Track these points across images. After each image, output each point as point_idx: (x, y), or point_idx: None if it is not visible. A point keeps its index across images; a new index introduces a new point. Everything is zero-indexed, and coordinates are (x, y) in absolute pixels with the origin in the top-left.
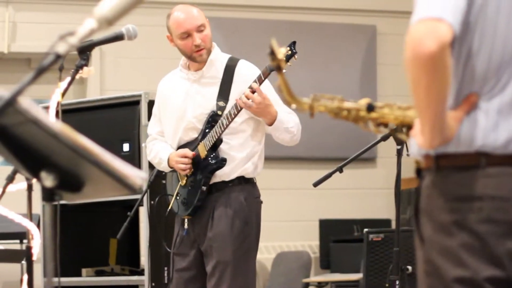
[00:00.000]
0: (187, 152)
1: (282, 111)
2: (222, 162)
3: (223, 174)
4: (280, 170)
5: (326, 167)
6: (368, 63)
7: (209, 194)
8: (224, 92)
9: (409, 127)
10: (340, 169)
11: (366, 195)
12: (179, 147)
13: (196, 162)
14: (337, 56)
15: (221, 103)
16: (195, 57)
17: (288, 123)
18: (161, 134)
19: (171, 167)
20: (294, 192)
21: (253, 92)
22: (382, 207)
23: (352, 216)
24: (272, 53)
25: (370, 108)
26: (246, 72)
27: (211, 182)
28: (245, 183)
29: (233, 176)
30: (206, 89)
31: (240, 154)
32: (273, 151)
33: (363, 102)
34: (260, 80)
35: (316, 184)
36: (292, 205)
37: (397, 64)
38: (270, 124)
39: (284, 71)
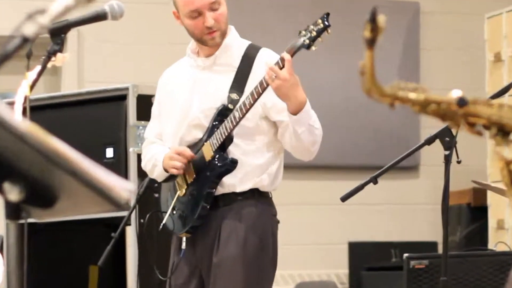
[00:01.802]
0: (185, 149)
1: (309, 106)
2: (232, 164)
3: (233, 184)
4: (299, 182)
5: (356, 178)
6: (409, 48)
7: (215, 209)
8: (239, 83)
9: (500, 129)
10: (374, 180)
11: (406, 212)
12: None
13: (200, 166)
14: None
15: (234, 96)
16: (206, 40)
17: (315, 122)
18: (159, 137)
19: (166, 170)
20: (317, 208)
21: (283, 65)
22: (426, 227)
23: (389, 238)
24: (373, 20)
25: (463, 102)
26: (268, 61)
27: (218, 193)
28: (260, 196)
29: (245, 187)
30: (218, 78)
31: (255, 161)
32: (290, 157)
33: (453, 95)
34: (291, 52)
35: (344, 199)
36: (315, 225)
37: (444, 49)
38: (295, 113)
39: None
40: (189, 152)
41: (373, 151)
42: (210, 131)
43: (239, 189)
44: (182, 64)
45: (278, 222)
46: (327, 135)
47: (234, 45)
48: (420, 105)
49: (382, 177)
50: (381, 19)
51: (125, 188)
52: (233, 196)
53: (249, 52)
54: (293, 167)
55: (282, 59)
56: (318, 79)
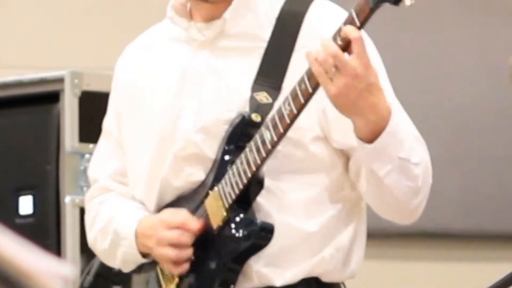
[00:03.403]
0: (188, 218)
1: (401, 117)
2: (262, 234)
3: (269, 269)
4: (399, 264)
5: (508, 256)
6: None
7: None
8: (272, 71)
9: None
10: None
11: None
12: (163, 208)
13: (202, 240)
14: None
15: (263, 97)
16: None
17: (413, 152)
18: (121, 178)
19: (144, 254)
20: None
21: (345, 46)
22: None
23: None
24: None
25: None
26: (329, 26)
27: None
28: None
29: (291, 277)
30: (231, 63)
31: (308, 225)
32: (381, 218)
33: None
34: (363, 15)
35: None
36: None
37: None
38: (371, 138)
39: None
40: (194, 221)
41: None
42: (219, 168)
43: (281, 281)
44: (160, 34)
45: None
46: (451, 177)
47: None
48: None
49: None
50: None
51: (55, 275)
52: None
53: (290, 9)
54: (383, 234)
55: (345, 37)
56: (432, 72)
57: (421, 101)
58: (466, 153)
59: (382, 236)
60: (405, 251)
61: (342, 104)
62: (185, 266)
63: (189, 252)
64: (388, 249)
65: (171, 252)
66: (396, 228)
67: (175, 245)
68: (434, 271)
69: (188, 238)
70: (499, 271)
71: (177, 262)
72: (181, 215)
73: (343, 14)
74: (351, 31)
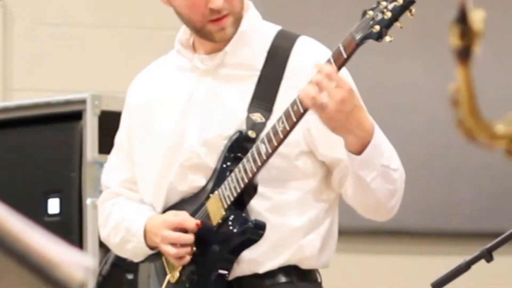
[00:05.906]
0: (185, 219)
1: (379, 132)
2: (255, 231)
3: (253, 259)
4: (366, 257)
5: (456, 251)
6: None
7: None
8: (264, 95)
9: None
10: (487, 255)
11: None
12: (168, 208)
13: (203, 234)
14: None
15: (257, 117)
16: (212, 32)
17: (392, 160)
18: (130, 185)
19: (152, 248)
20: None
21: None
22: None
23: None
24: (463, 19)
25: None
26: (311, 59)
27: (233, 275)
28: (301, 279)
29: (276, 263)
30: (230, 87)
31: (293, 222)
32: (352, 218)
33: None
34: (339, 59)
35: (437, 285)
36: None
37: None
38: (359, 150)
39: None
40: (193, 221)
41: (482, 210)
42: (219, 176)
43: (264, 268)
44: (168, 64)
45: None
46: (409, 184)
47: (255, 32)
48: None
49: (500, 251)
50: (477, 17)
51: (78, 265)
52: (255, 281)
53: (279, 44)
54: (353, 231)
55: (338, 59)
56: (394, 91)
57: (384, 121)
58: (421, 164)
59: (353, 233)
60: (372, 247)
61: (335, 126)
62: (186, 259)
63: (187, 250)
64: (357, 244)
65: (172, 250)
66: (364, 227)
67: (176, 244)
68: (396, 263)
69: (187, 238)
70: (451, 264)
71: (178, 257)
72: (181, 216)
73: (323, 50)
74: (324, 68)
